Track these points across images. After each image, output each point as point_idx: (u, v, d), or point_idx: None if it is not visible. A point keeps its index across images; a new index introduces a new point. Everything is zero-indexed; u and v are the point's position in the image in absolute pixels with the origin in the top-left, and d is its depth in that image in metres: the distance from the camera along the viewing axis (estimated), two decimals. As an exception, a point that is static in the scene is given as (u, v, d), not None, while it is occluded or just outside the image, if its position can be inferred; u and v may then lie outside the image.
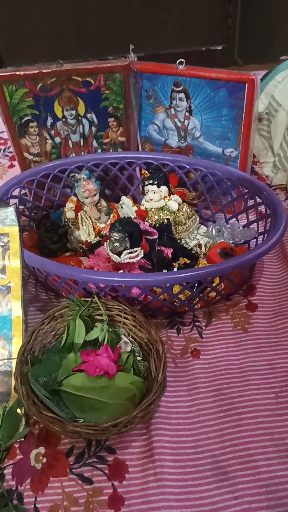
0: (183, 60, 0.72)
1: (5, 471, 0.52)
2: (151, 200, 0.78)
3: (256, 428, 0.55)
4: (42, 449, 0.54)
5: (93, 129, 0.80)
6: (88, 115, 0.78)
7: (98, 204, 0.76)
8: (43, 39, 2.34)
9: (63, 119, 0.78)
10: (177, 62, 0.72)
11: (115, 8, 2.32)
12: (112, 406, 0.53)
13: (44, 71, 0.73)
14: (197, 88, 0.73)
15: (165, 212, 0.78)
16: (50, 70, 0.73)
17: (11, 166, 1.01)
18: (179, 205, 0.78)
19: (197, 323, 0.67)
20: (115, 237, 0.64)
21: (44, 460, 0.53)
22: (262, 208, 0.73)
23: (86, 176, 0.73)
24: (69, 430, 0.48)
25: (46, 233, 0.75)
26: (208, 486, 0.50)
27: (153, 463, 0.52)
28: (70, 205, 0.77)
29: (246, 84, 0.68)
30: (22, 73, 0.72)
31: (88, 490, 0.50)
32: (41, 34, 2.33)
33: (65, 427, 0.48)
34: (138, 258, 0.65)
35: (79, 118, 0.78)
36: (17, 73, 0.72)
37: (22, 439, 0.54)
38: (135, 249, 0.66)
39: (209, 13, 2.43)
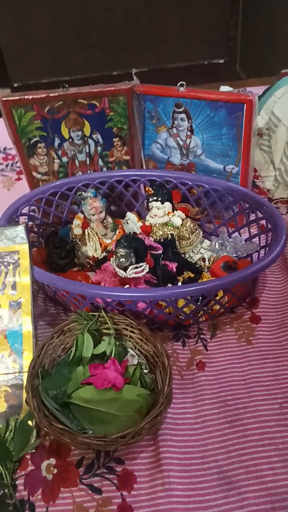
0: (184, 83, 0.75)
1: (17, 482, 0.54)
2: (155, 216, 0.80)
3: (261, 439, 0.56)
4: (53, 460, 0.55)
5: (99, 148, 0.83)
6: (94, 136, 0.82)
7: (104, 221, 0.79)
8: (48, 53, 2.40)
9: (70, 140, 0.82)
10: (178, 85, 0.75)
11: (118, 22, 2.37)
12: (120, 418, 0.55)
13: (51, 95, 0.76)
14: (198, 109, 0.76)
15: (169, 227, 0.80)
16: (57, 94, 0.76)
17: (19, 179, 1.06)
18: (183, 220, 0.80)
19: (202, 336, 0.69)
20: (121, 253, 0.67)
21: (55, 471, 0.54)
22: (263, 222, 0.75)
23: (92, 195, 0.76)
24: (79, 442, 0.50)
25: (54, 249, 0.77)
26: (215, 496, 0.52)
27: (160, 473, 0.53)
28: (77, 222, 0.80)
29: (245, 105, 0.71)
30: (30, 97, 0.76)
31: (97, 500, 0.52)
32: (46, 48, 2.39)
33: (75, 438, 0.50)
34: (144, 272, 0.67)
35: (85, 138, 0.82)
36: (26, 97, 0.76)
37: (34, 451, 0.56)
38: (140, 264, 0.68)
39: (211, 27, 2.48)
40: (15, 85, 2.51)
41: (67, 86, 0.76)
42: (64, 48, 2.40)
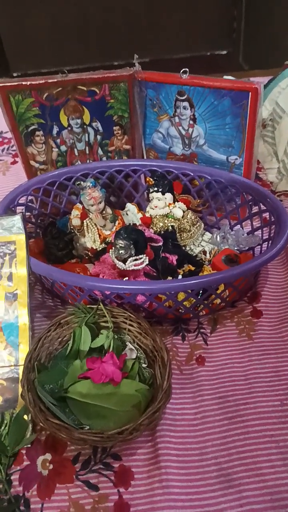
0: (187, 70, 0.72)
1: (12, 477, 0.53)
2: (156, 207, 0.78)
3: (261, 436, 0.55)
4: (49, 456, 0.54)
5: (98, 137, 0.81)
6: (93, 124, 0.79)
7: (104, 212, 0.77)
8: (48, 44, 2.37)
9: (69, 128, 0.80)
10: (181, 72, 0.73)
11: (119, 13, 2.34)
12: (117, 413, 0.53)
13: (49, 81, 0.74)
14: (201, 97, 0.73)
15: (170, 219, 0.78)
16: (55, 80, 0.74)
17: (14, 162, 1.04)
18: (184, 212, 0.79)
19: (202, 330, 0.68)
20: (120, 245, 0.65)
21: (51, 466, 0.53)
22: (266, 215, 0.73)
23: (91, 184, 0.74)
24: (75, 437, 0.49)
25: (52, 240, 0.76)
26: (214, 493, 0.51)
27: (158, 470, 0.52)
28: (76, 213, 0.78)
29: (250, 93, 0.69)
30: (28, 83, 0.73)
31: (94, 496, 0.51)
32: (46, 39, 2.36)
33: (71, 434, 0.49)
34: (143, 265, 0.66)
35: (85, 126, 0.80)
36: (23, 83, 0.74)
37: (29, 446, 0.55)
38: (140, 256, 0.66)
39: (214, 17, 2.45)
40: (15, 74, 2.47)
41: (66, 72, 0.74)
42: (64, 37, 2.37)
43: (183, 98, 0.75)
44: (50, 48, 2.38)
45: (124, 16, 2.36)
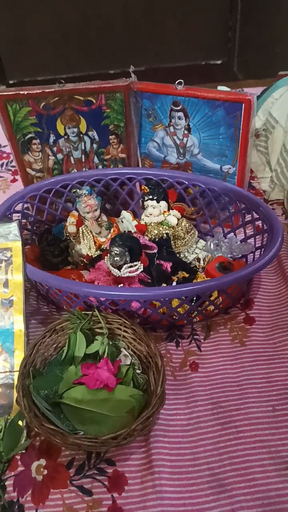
0: (182, 81, 0.74)
1: (6, 483, 0.53)
2: (151, 215, 0.80)
3: (253, 441, 0.56)
4: (43, 461, 0.55)
5: (94, 146, 0.83)
6: (90, 133, 0.81)
7: (99, 219, 0.78)
8: (45, 51, 2.38)
9: (65, 136, 0.81)
10: (176, 83, 0.74)
11: (116, 22, 2.36)
12: (112, 419, 0.54)
13: (47, 90, 0.75)
14: (195, 108, 0.75)
15: (165, 226, 0.79)
16: (52, 90, 0.75)
17: (14, 180, 1.04)
18: (178, 220, 0.80)
19: (195, 336, 0.69)
20: (115, 252, 0.66)
21: (45, 472, 0.54)
22: (259, 223, 0.75)
23: (87, 192, 0.75)
24: (70, 442, 0.49)
25: (48, 247, 0.76)
26: (206, 498, 0.51)
27: (152, 475, 0.52)
28: (71, 220, 0.79)
29: (243, 104, 0.71)
30: (25, 92, 0.75)
31: (88, 501, 0.51)
32: (43, 45, 2.37)
33: (65, 439, 0.49)
34: (138, 272, 0.67)
35: (81, 135, 0.81)
36: (21, 92, 0.75)
37: (24, 451, 0.55)
38: (135, 263, 0.67)
39: (209, 27, 2.47)
40: (11, 82, 2.48)
41: (63, 82, 0.75)
42: (61, 45, 2.38)
43: (178, 108, 0.77)
44: (46, 56, 2.40)
45: (120, 25, 2.38)
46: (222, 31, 2.51)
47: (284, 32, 1.99)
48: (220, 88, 1.06)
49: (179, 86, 0.74)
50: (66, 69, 2.34)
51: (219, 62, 2.66)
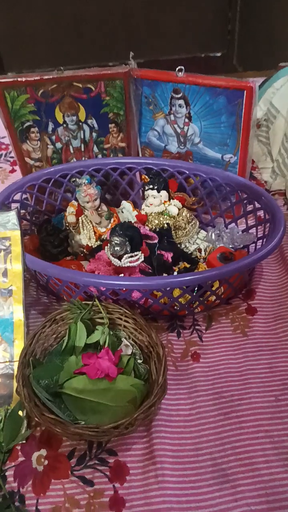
0: (183, 68, 0.73)
1: (7, 473, 0.52)
2: (151, 204, 0.79)
3: (256, 431, 0.55)
4: (44, 451, 0.54)
5: (94, 134, 0.81)
6: (89, 121, 0.79)
7: (99, 209, 0.77)
8: (44, 43, 2.36)
9: (64, 125, 0.79)
10: (177, 70, 0.73)
11: (115, 14, 2.34)
12: (113, 409, 0.53)
13: (45, 77, 0.74)
14: (196, 95, 0.74)
15: (165, 216, 0.78)
16: (51, 77, 0.74)
17: (13, 171, 1.02)
18: (179, 210, 0.79)
19: (197, 327, 0.68)
20: (115, 241, 0.65)
21: (46, 462, 0.53)
22: (261, 213, 0.74)
23: (87, 181, 0.74)
24: (71, 432, 0.49)
25: (47, 237, 0.75)
26: (209, 488, 0.51)
27: (154, 465, 0.52)
28: (71, 210, 0.78)
29: (245, 91, 0.69)
30: (23, 79, 0.73)
31: (89, 492, 0.51)
32: (41, 38, 2.34)
33: (66, 429, 0.49)
34: (139, 262, 0.66)
35: (80, 124, 0.80)
36: (19, 79, 0.73)
37: (24, 441, 0.55)
38: (135, 253, 0.66)
39: (209, 19, 2.45)
40: (10, 74, 2.46)
41: (62, 68, 0.74)
42: (59, 38, 2.36)
43: (179, 96, 0.75)
44: (44, 49, 2.37)
45: (119, 18, 2.36)
46: (222, 23, 2.49)
47: (284, 24, 1.98)
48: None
49: (180, 73, 0.73)
50: (65, 61, 2.30)
51: (218, 54, 2.64)
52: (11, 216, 0.63)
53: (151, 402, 0.50)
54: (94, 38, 2.40)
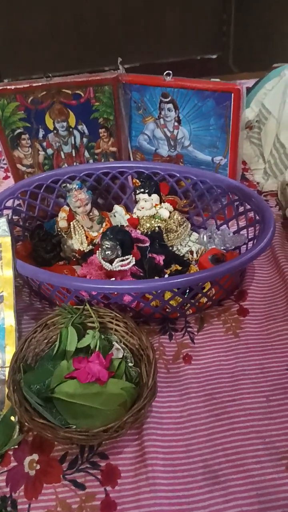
0: (170, 72, 0.73)
1: (-1, 478, 0.53)
2: (143, 208, 0.79)
3: (247, 432, 0.55)
4: (36, 456, 0.54)
5: (85, 140, 0.82)
6: (79, 127, 0.80)
7: (90, 213, 0.77)
8: (38, 50, 2.37)
9: (55, 131, 0.80)
10: (164, 74, 0.74)
11: (110, 19, 2.35)
12: (104, 412, 0.54)
13: (34, 85, 0.74)
14: (185, 99, 0.74)
15: (157, 219, 0.79)
16: (40, 84, 0.75)
17: (6, 177, 1.03)
18: (170, 212, 0.79)
19: (189, 329, 0.68)
20: (106, 245, 0.65)
21: (38, 466, 0.53)
22: (251, 214, 0.74)
23: (77, 186, 0.74)
24: (61, 436, 0.49)
25: (39, 242, 0.76)
26: (200, 490, 0.51)
27: (145, 468, 0.52)
28: (62, 215, 0.79)
29: (232, 94, 0.70)
30: (13, 87, 0.74)
31: (81, 495, 0.51)
32: (35, 45, 2.36)
33: (56, 433, 0.49)
34: (130, 265, 0.66)
35: (70, 129, 0.80)
36: (8, 87, 0.74)
37: (16, 446, 0.55)
38: (126, 256, 0.67)
39: (204, 22, 2.46)
40: (5, 81, 2.48)
41: (50, 75, 0.74)
42: (55, 43, 2.37)
43: (167, 100, 0.76)
44: (40, 54, 2.39)
45: (115, 22, 2.37)
46: (217, 25, 2.50)
47: (278, 25, 1.99)
48: (213, 80, 1.05)
49: (168, 77, 0.74)
50: (61, 67, 2.32)
51: (214, 56, 2.65)
52: (1, 223, 0.64)
53: (141, 405, 0.51)
54: (90, 44, 2.41)
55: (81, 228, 0.77)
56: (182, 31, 2.47)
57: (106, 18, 2.35)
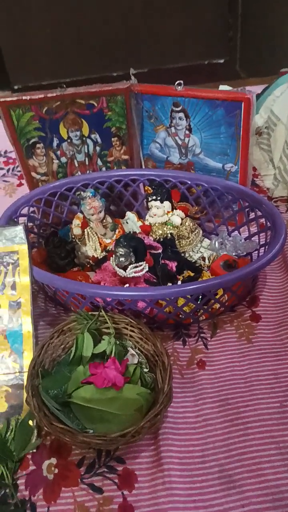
0: (181, 82, 0.75)
1: (18, 482, 0.54)
2: (155, 215, 0.80)
3: (261, 437, 0.56)
4: (54, 460, 0.55)
5: (97, 148, 0.83)
6: (92, 136, 0.82)
7: (104, 220, 0.79)
8: (47, 56, 2.40)
9: (68, 140, 0.82)
10: (176, 84, 0.75)
11: (117, 23, 2.37)
12: (120, 417, 0.55)
13: (49, 95, 0.76)
14: (196, 108, 0.76)
15: (169, 226, 0.80)
16: (54, 95, 0.76)
17: (20, 184, 1.05)
18: (182, 219, 0.80)
19: (202, 335, 0.69)
20: (120, 252, 0.67)
21: (56, 470, 0.54)
22: (262, 220, 0.75)
23: (91, 194, 0.76)
24: (79, 441, 0.50)
25: (54, 249, 0.77)
26: (216, 494, 0.52)
27: (161, 472, 0.53)
28: (76, 222, 0.80)
29: (243, 103, 0.71)
30: (28, 98, 0.76)
31: (98, 499, 0.52)
32: (45, 51, 2.39)
33: (75, 437, 0.50)
34: (143, 272, 0.67)
35: (84, 138, 0.82)
36: (23, 98, 0.76)
37: (35, 450, 0.56)
38: (140, 263, 0.68)
39: (210, 27, 2.48)
40: (16, 87, 2.51)
41: (64, 86, 0.76)
42: (64, 49, 2.40)
43: (179, 109, 0.77)
44: (49, 61, 2.42)
45: (122, 28, 2.40)
46: (223, 30, 2.51)
47: (285, 29, 1.99)
48: (221, 87, 1.07)
49: (179, 87, 0.75)
50: (70, 73, 2.36)
51: (221, 61, 2.66)
52: (19, 231, 0.65)
53: (157, 410, 0.52)
54: (98, 49, 2.43)
55: (95, 235, 0.78)
56: (189, 36, 2.48)
57: (113, 24, 2.38)
